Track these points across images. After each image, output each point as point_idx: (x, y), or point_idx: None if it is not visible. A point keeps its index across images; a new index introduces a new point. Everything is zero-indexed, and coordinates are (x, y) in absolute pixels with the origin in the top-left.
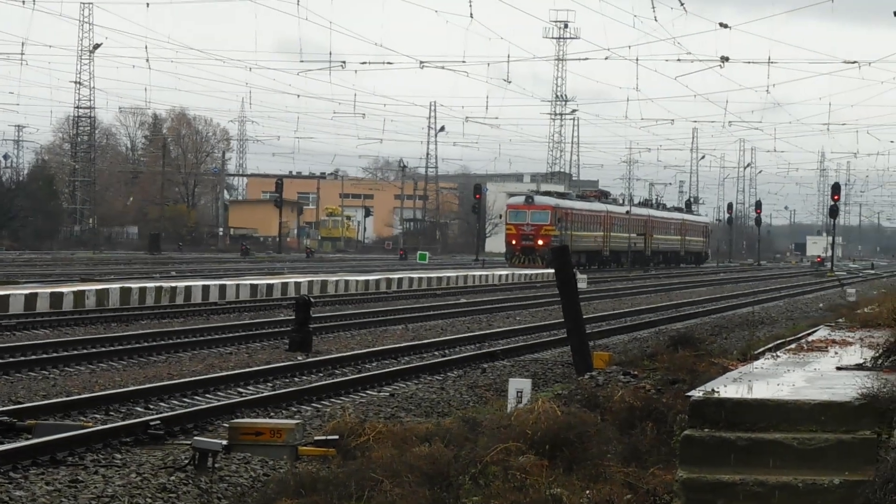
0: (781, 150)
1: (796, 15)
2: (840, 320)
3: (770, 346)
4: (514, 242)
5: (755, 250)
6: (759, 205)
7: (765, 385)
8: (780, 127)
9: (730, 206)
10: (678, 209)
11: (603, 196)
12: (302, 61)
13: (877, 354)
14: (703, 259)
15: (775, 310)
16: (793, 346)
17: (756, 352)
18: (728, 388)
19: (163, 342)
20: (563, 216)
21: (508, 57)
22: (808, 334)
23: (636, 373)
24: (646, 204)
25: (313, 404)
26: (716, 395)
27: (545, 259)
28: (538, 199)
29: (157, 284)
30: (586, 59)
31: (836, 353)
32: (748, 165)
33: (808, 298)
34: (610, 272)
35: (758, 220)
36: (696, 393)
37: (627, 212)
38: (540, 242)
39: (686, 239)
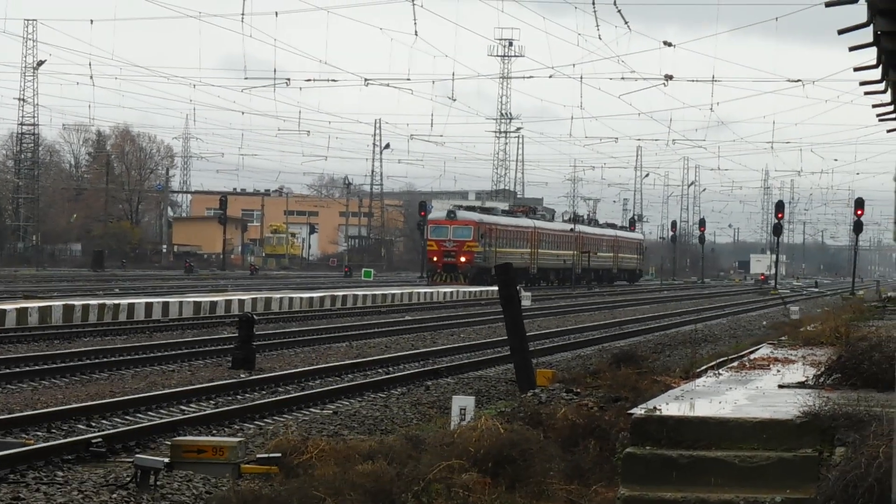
0: (726, 168)
1: (740, 33)
2: (783, 338)
3: (713, 363)
4: (435, 259)
5: (699, 268)
6: (702, 223)
7: (707, 403)
8: (724, 145)
9: (674, 223)
10: (611, 225)
11: (531, 211)
12: (246, 78)
13: (819, 373)
14: (637, 277)
15: (718, 328)
16: (735, 363)
17: (699, 370)
18: (670, 405)
19: (105, 360)
20: (487, 232)
21: (453, 75)
22: (751, 352)
23: (579, 390)
24: (574, 220)
25: (256, 422)
26: (658, 412)
27: (467, 277)
28: (460, 213)
29: (101, 302)
30: (531, 77)
31: (778, 370)
32: (692, 183)
33: (751, 316)
34: (554, 290)
35: (701, 238)
36: (639, 411)
37: (574, 228)
38: (462, 259)
39: (619, 256)
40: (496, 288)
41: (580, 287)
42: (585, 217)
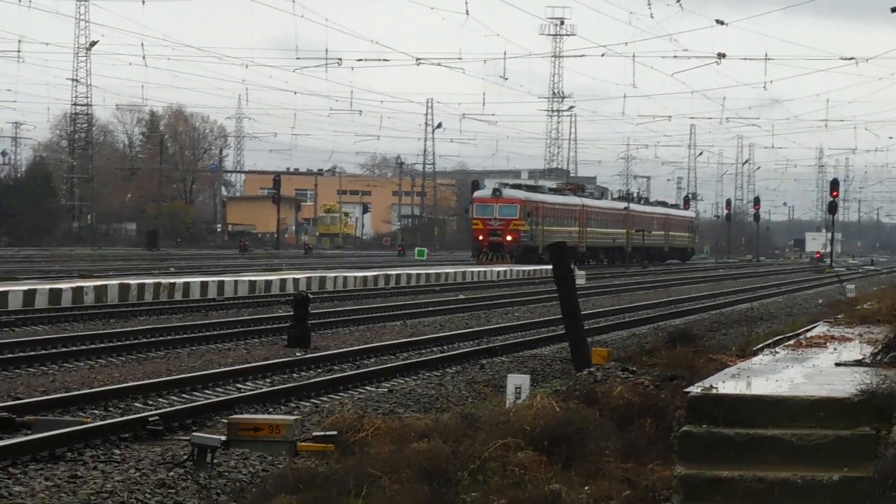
0: (779, 146)
1: (792, 12)
2: (839, 316)
3: (769, 342)
4: (480, 238)
5: (754, 247)
6: (757, 201)
7: (763, 381)
8: (777, 123)
9: (728, 202)
10: (662, 203)
11: (579, 189)
12: (298, 58)
13: (875, 350)
14: (688, 255)
15: (774, 306)
16: (791, 342)
17: (754, 348)
18: (726, 384)
19: (161, 338)
20: (534, 210)
21: (505, 54)
22: (807, 330)
23: (634, 369)
24: (626, 198)
25: (312, 400)
26: (714, 391)
27: (513, 256)
28: (506, 192)
29: (156, 281)
30: (583, 55)
31: (834, 349)
32: (746, 162)
33: (806, 295)
34: (607, 269)
35: (756, 217)
36: (695, 389)
37: (628, 207)
38: (508, 238)
39: (671, 234)
40: (550, 267)
41: (633, 266)
42: (635, 195)
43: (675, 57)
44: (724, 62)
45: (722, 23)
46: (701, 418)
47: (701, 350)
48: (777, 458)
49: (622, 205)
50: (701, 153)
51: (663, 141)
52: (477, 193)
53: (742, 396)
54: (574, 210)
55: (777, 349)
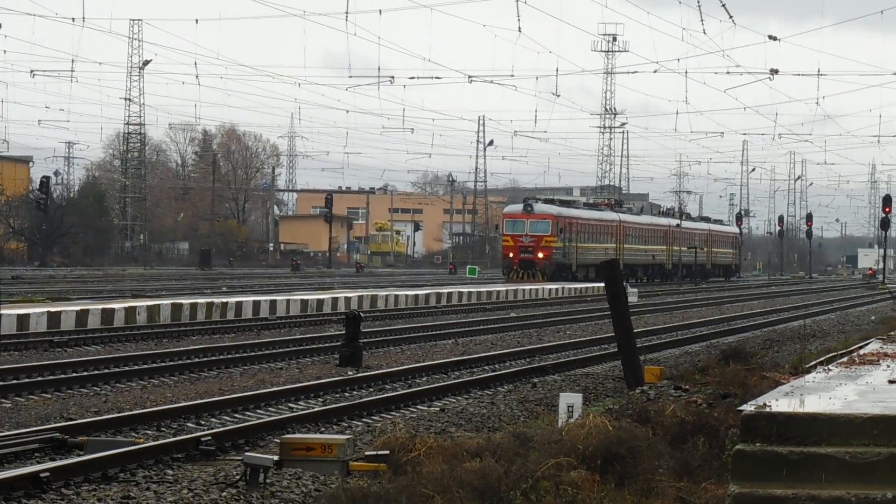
0: (832, 162)
1: (844, 27)
2: (892, 333)
3: (822, 359)
4: (511, 255)
5: (806, 263)
6: (809, 217)
7: (816, 399)
8: (830, 139)
9: (780, 218)
10: (704, 219)
11: (616, 205)
12: (351, 76)
13: None
14: (732, 272)
15: (827, 323)
16: (844, 359)
17: (808, 365)
18: (780, 401)
19: (214, 358)
20: (567, 226)
21: (557, 70)
22: (860, 347)
23: (687, 387)
24: (668, 213)
25: (364, 419)
26: (767, 409)
27: (545, 274)
28: (538, 207)
29: (208, 300)
30: (635, 72)
31: (888, 366)
32: (799, 178)
33: (859, 311)
34: (658, 286)
35: (809, 233)
36: (748, 407)
37: (679, 224)
38: (540, 255)
39: (713, 251)
40: (602, 284)
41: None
42: (676, 210)
43: (727, 73)
44: (776, 78)
45: (775, 38)
46: (754, 436)
47: (754, 368)
48: (831, 476)
49: (662, 221)
50: (753, 169)
51: (715, 157)
52: (507, 209)
53: (795, 414)
54: (611, 226)
55: (830, 367)
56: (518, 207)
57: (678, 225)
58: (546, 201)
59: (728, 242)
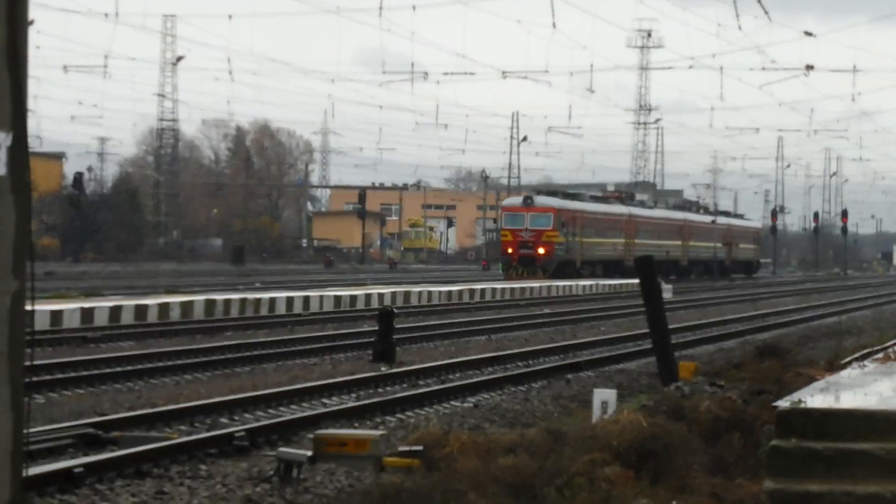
0: (868, 158)
1: (880, 23)
2: None
3: (857, 355)
4: (510, 251)
5: (841, 259)
6: (845, 213)
7: (852, 395)
8: (866, 135)
9: (816, 215)
10: (724, 213)
11: (628, 198)
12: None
13: None
14: (753, 269)
15: (862, 319)
16: (880, 355)
17: (843, 361)
18: (815, 398)
19: (247, 354)
20: (570, 220)
21: (591, 66)
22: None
23: (722, 383)
24: (683, 207)
25: (397, 415)
26: (803, 405)
27: (547, 271)
28: (538, 199)
29: (242, 296)
30: (670, 68)
31: None
32: (834, 174)
33: (894, 308)
34: (694, 283)
35: (844, 230)
36: (783, 403)
37: (715, 221)
38: (541, 251)
39: (733, 246)
40: (636, 280)
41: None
42: (693, 204)
43: (763, 69)
44: (812, 74)
45: (810, 34)
46: (790, 432)
47: (789, 364)
48: (866, 472)
49: (677, 214)
50: (789, 166)
51: (750, 153)
52: (506, 201)
53: (831, 410)
54: (620, 220)
55: (865, 363)
56: (517, 200)
57: (714, 221)
58: (548, 193)
59: (749, 237)
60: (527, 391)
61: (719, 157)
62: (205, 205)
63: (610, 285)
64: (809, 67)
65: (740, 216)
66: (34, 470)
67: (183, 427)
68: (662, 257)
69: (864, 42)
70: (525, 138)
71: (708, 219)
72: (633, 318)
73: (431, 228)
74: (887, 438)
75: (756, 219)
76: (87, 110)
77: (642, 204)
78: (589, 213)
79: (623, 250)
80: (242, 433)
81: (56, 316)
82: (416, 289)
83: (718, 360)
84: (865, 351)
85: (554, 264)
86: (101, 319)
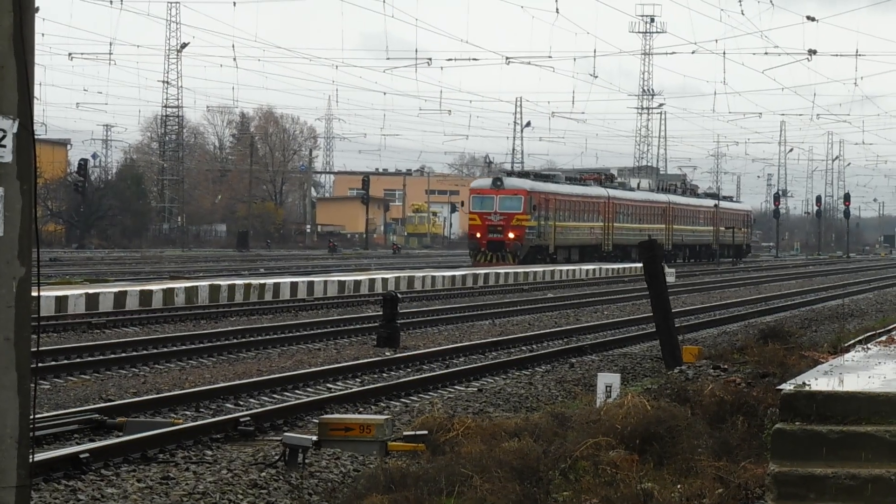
0: (870, 142)
1: (881, 7)
2: None
3: (860, 338)
4: (478, 235)
5: (844, 243)
6: (847, 197)
7: (856, 377)
8: (868, 119)
9: (818, 198)
10: (712, 195)
11: (607, 179)
12: (388, 58)
13: None
14: (743, 253)
15: (865, 302)
16: (883, 338)
17: (846, 344)
18: (819, 380)
19: (252, 339)
20: (542, 202)
21: (595, 51)
22: None
23: (726, 366)
24: (668, 189)
25: (402, 400)
26: (806, 388)
27: (517, 256)
28: (508, 181)
29: (246, 282)
30: (673, 53)
31: None
32: (836, 158)
33: None
34: (697, 266)
35: (846, 213)
36: (787, 386)
37: (717, 205)
38: (511, 235)
39: (720, 230)
40: (640, 265)
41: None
42: (678, 186)
43: (765, 53)
44: (814, 58)
45: (813, 19)
46: (794, 415)
47: (792, 347)
48: (870, 454)
49: (660, 197)
50: (791, 150)
51: (753, 138)
52: (474, 183)
53: (835, 393)
54: (598, 203)
55: (869, 345)
56: (486, 182)
57: (700, 203)
58: (520, 175)
59: (738, 221)
60: (531, 375)
61: (722, 141)
62: (209, 191)
63: (612, 269)
64: (812, 52)
65: (729, 198)
66: (40, 455)
67: (188, 412)
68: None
69: (866, 26)
70: (528, 123)
71: (694, 201)
72: (636, 303)
73: (435, 214)
74: (891, 421)
75: (747, 201)
76: (92, 97)
77: (623, 186)
78: (563, 195)
79: (601, 234)
80: (248, 418)
81: (61, 302)
82: (419, 274)
83: (722, 343)
84: (869, 333)
85: (525, 250)
86: (106, 305)
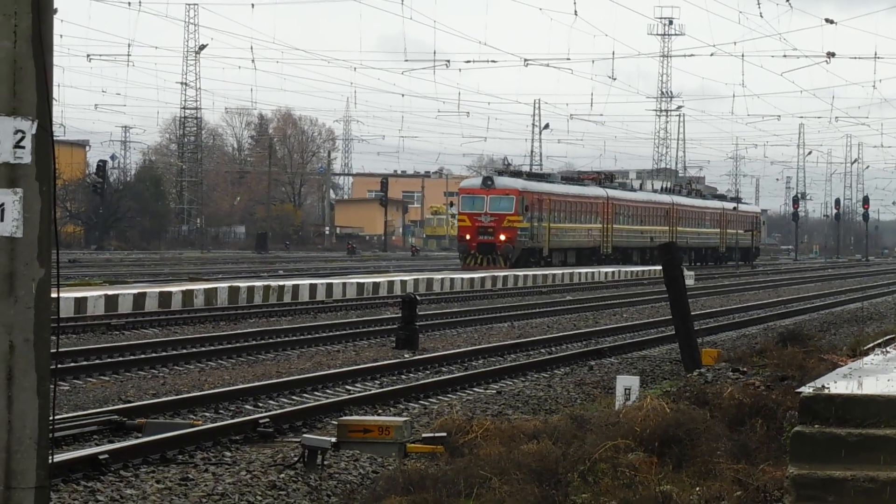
0: (889, 145)
1: None
2: None
3: (879, 341)
4: (468, 237)
5: (863, 246)
6: (866, 200)
7: (875, 381)
8: (887, 122)
9: (837, 201)
10: (719, 197)
11: (606, 179)
12: (406, 60)
13: None
14: (752, 257)
15: (884, 305)
16: None
17: (865, 347)
18: (838, 383)
19: (271, 340)
20: (535, 203)
21: (613, 54)
22: None
23: (745, 369)
24: (672, 190)
25: (421, 402)
26: (825, 391)
27: (509, 259)
28: (499, 180)
29: (265, 283)
30: (692, 55)
31: None
32: (855, 161)
33: None
34: (716, 269)
35: (865, 216)
36: (806, 389)
37: (729, 208)
38: (502, 237)
39: (727, 233)
40: (661, 268)
41: (742, 266)
42: (683, 187)
43: (784, 56)
44: (833, 61)
45: (831, 22)
46: (813, 418)
47: (811, 350)
48: (889, 457)
49: (664, 198)
50: (810, 152)
51: (772, 140)
52: (464, 183)
53: (854, 396)
54: (596, 204)
55: (888, 349)
56: (476, 181)
57: (706, 205)
58: (512, 174)
59: (747, 223)
60: (550, 378)
61: (741, 144)
62: (228, 193)
63: (633, 272)
64: (831, 54)
65: (737, 200)
66: (60, 456)
67: (207, 414)
68: (646, 244)
69: (885, 29)
70: (547, 126)
71: (699, 202)
72: (655, 305)
73: (454, 216)
74: None
75: (761, 204)
76: (110, 99)
77: (623, 186)
78: (558, 195)
79: (599, 236)
80: (267, 420)
81: (80, 303)
82: (438, 276)
83: (741, 346)
84: (888, 337)
85: (517, 252)
86: (125, 307)
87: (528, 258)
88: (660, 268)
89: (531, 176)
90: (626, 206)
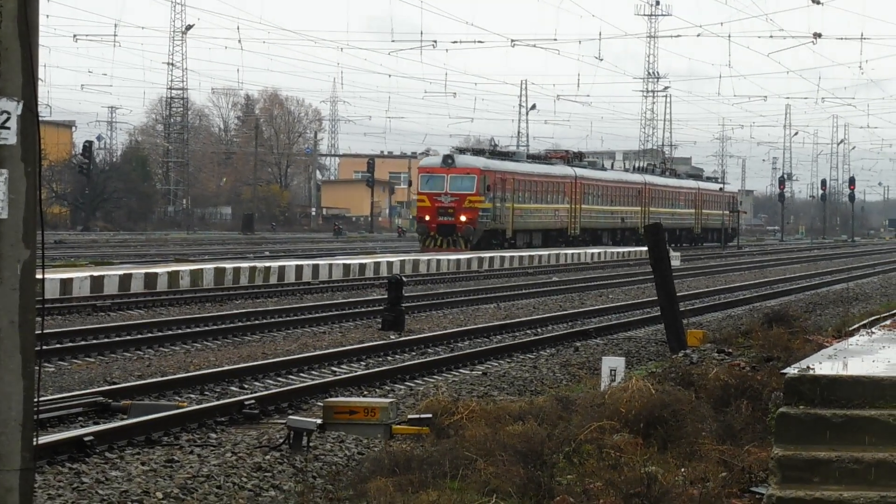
0: (875, 126)
1: None
2: None
3: (865, 322)
4: (427, 219)
5: (849, 227)
6: (852, 181)
7: (860, 361)
8: (874, 103)
9: (823, 182)
10: (694, 176)
11: (574, 158)
12: (393, 41)
13: None
14: (729, 238)
15: (869, 286)
16: (888, 322)
17: (851, 328)
18: (823, 364)
19: (257, 322)
20: (498, 182)
21: (600, 34)
22: None
23: (730, 350)
24: (645, 169)
25: (406, 383)
26: (811, 371)
27: (470, 241)
28: (460, 159)
29: (251, 264)
30: (678, 36)
31: None
32: (842, 142)
33: None
34: (702, 250)
35: (851, 197)
36: (791, 370)
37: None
38: (462, 218)
39: (703, 213)
40: (644, 248)
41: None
42: (657, 166)
43: (770, 37)
44: (819, 42)
45: (818, 2)
46: (798, 399)
47: (797, 331)
48: (874, 438)
49: (636, 177)
50: (796, 133)
51: (758, 121)
52: (423, 161)
53: (839, 377)
54: (563, 183)
55: (873, 329)
56: (436, 160)
57: (681, 185)
58: (474, 152)
59: (723, 204)
60: (535, 359)
61: (727, 124)
62: (214, 173)
63: (618, 253)
64: (817, 35)
65: (714, 180)
66: (45, 438)
67: (193, 395)
68: (616, 225)
69: (872, 10)
70: (534, 106)
71: (673, 182)
72: (641, 286)
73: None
74: (895, 405)
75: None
76: (97, 79)
77: (593, 165)
78: (522, 174)
79: (566, 217)
80: (252, 401)
81: (66, 284)
82: (424, 257)
83: (726, 327)
84: (873, 318)
85: (478, 234)
86: (110, 288)
87: (491, 240)
88: (628, 249)
89: (494, 154)
90: (596, 185)
